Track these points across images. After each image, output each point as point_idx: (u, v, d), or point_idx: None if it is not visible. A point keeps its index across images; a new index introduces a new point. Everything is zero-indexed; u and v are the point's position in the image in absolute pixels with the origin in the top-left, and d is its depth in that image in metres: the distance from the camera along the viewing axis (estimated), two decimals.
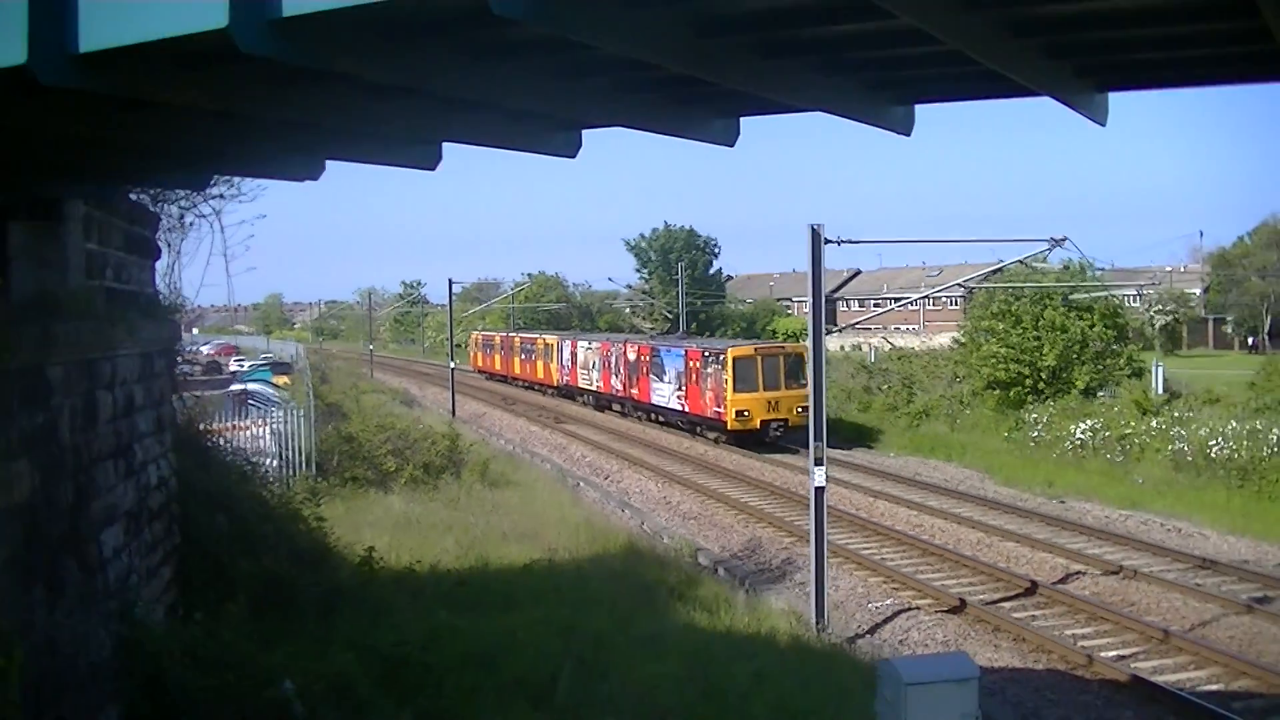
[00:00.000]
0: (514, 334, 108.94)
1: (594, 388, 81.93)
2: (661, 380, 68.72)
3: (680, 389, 65.98)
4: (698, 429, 64.92)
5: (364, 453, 42.92)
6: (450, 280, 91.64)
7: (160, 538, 16.14)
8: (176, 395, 22.22)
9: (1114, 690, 24.12)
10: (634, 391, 73.83)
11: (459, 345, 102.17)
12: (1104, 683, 24.60)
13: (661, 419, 70.66)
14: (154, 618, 14.60)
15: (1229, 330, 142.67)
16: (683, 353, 65.92)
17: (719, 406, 60.63)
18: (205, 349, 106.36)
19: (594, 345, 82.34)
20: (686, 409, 65.34)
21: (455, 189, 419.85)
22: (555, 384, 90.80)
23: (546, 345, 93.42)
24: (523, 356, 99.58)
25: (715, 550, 37.19)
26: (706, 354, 63.03)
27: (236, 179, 24.31)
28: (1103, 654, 26.10)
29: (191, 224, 25.82)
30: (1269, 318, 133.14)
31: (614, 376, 77.17)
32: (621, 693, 17.58)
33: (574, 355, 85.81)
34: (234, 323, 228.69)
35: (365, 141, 15.72)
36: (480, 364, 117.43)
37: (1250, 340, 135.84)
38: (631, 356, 73.61)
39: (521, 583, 25.97)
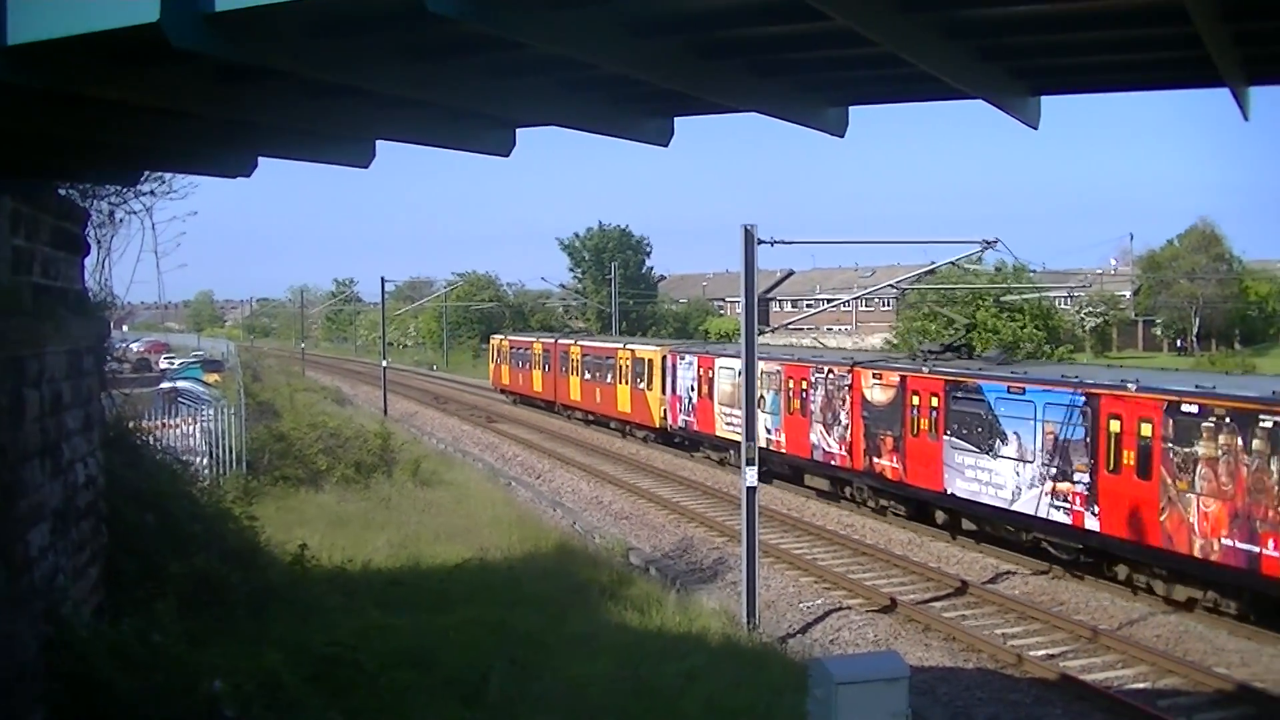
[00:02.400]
0: (570, 340, 77.34)
1: (769, 441, 47.28)
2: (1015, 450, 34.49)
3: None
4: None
5: (296, 451, 42.71)
6: (383, 279, 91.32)
7: (88, 537, 15.98)
8: (105, 393, 22.01)
9: (1043, 688, 24.33)
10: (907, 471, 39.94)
11: (479, 354, 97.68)
12: (1033, 681, 24.80)
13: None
14: (82, 618, 14.45)
15: (1159, 332, 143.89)
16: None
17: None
18: (135, 346, 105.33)
19: (763, 365, 45.04)
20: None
21: (388, 187, 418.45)
22: (657, 424, 61.11)
23: (639, 362, 63.62)
24: (587, 376, 70.95)
25: (647, 550, 37.24)
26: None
27: (168, 175, 24.11)
28: (1032, 653, 26.31)
29: (122, 220, 25.55)
30: (1198, 320, 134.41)
31: (828, 429, 44.53)
32: (553, 691, 17.54)
33: (704, 382, 54.42)
34: (164, 320, 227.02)
35: (298, 139, 15.65)
36: (507, 382, 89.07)
37: (1179, 342, 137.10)
38: (882, 395, 41.28)
39: (454, 581, 25.86)
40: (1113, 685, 24.38)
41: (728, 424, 51.44)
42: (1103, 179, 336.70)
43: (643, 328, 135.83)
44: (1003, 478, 34.50)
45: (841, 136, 14.67)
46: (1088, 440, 31.58)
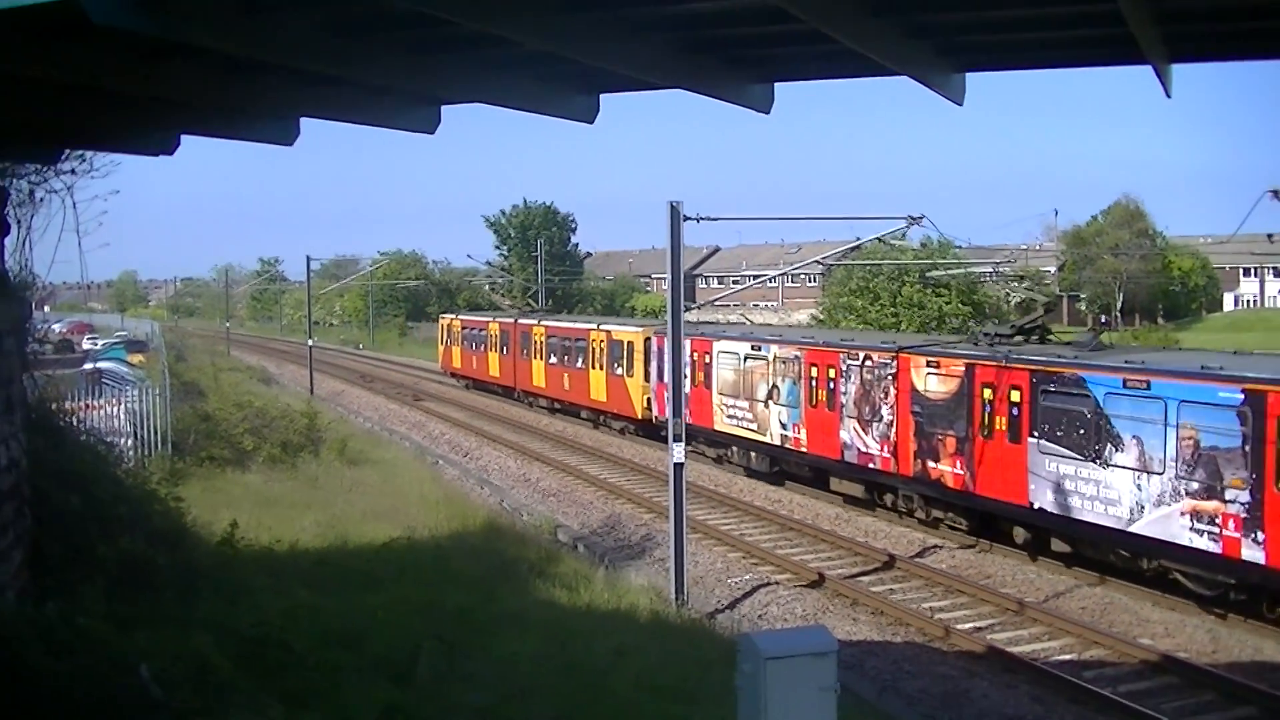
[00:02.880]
0: (533, 320, 70.35)
1: (799, 444, 41.82)
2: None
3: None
4: None
5: (221, 431, 42.46)
6: (308, 257, 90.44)
7: (11, 520, 15.83)
8: (27, 374, 21.76)
9: (971, 661, 24.51)
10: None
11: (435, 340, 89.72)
12: (961, 654, 25.00)
13: None
14: (5, 602, 14.34)
15: (1083, 307, 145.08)
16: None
17: None
18: (57, 327, 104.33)
19: (777, 349, 43.43)
20: None
21: (313, 164, 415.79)
22: (639, 415, 55.28)
23: (616, 344, 57.91)
24: (553, 360, 65.23)
25: (575, 527, 37.27)
26: None
27: (89, 153, 23.88)
28: (960, 626, 26.51)
29: (43, 199, 25.22)
30: (1121, 295, 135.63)
31: (864, 426, 38.04)
32: (482, 670, 17.53)
33: (699, 368, 47.78)
34: (87, 300, 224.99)
35: (221, 116, 15.56)
36: (459, 365, 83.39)
37: (1103, 318, 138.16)
38: (941, 387, 35.01)
39: (382, 561, 25.79)
40: (1039, 657, 24.60)
41: (729, 417, 45.60)
42: (1028, 155, 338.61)
43: (569, 305, 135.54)
44: (1116, 492, 28.55)
45: (767, 113, 14.71)
46: (1248, 449, 25.50)
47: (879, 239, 52.50)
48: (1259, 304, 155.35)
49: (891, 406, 36.40)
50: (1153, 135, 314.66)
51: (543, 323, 68.46)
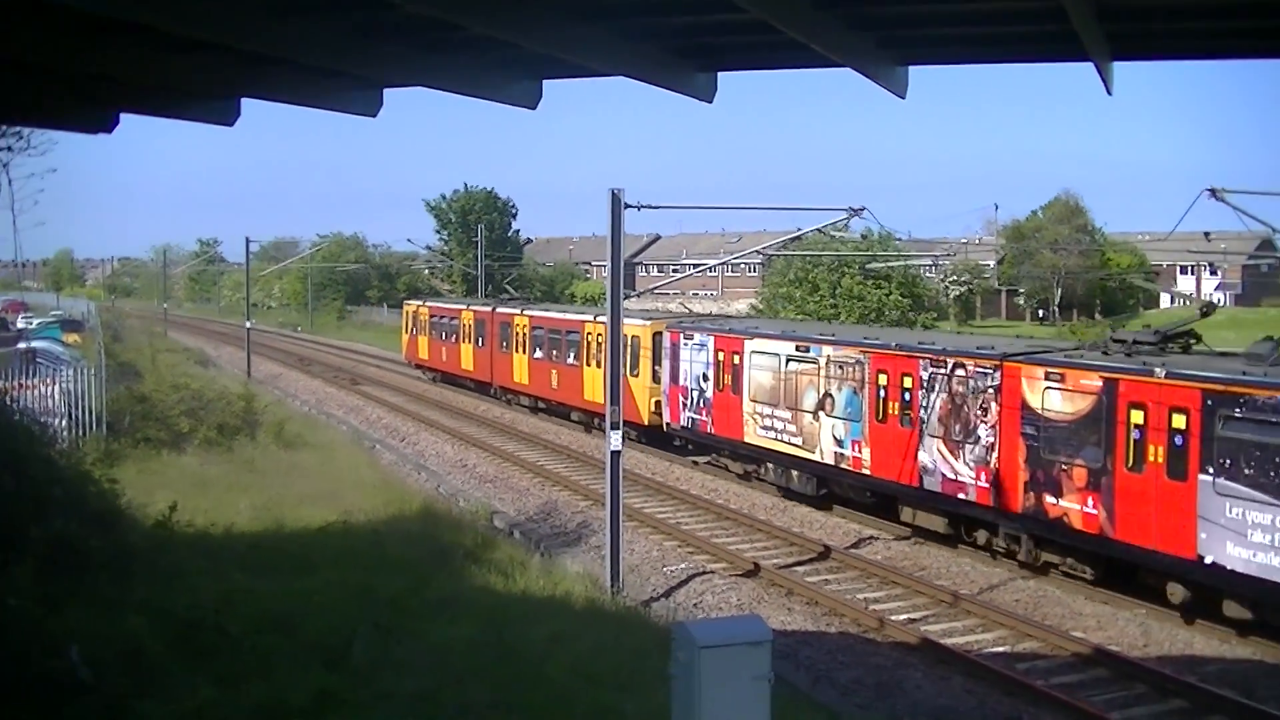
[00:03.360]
0: (514, 309, 63.83)
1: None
2: None
3: None
4: None
5: (157, 413, 42.20)
6: (247, 239, 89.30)
7: None
8: None
9: (905, 652, 24.59)
10: None
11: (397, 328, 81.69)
12: (895, 645, 25.07)
13: None
14: None
15: (1021, 302, 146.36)
16: None
17: None
18: None
19: (831, 351, 36.76)
20: None
21: (254, 145, 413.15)
22: (645, 420, 47.86)
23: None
24: (539, 354, 58.88)
25: (511, 513, 37.19)
26: None
27: (26, 130, 23.69)
28: (894, 617, 26.59)
29: None
30: (1059, 290, 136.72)
31: (952, 447, 31.98)
32: (417, 655, 17.50)
33: (726, 370, 41.89)
34: (22, 279, 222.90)
35: (161, 95, 15.46)
36: (426, 356, 76.33)
37: (1041, 312, 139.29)
38: (1066, 405, 28.78)
39: (318, 545, 25.72)
40: (973, 649, 24.72)
41: (765, 428, 39.09)
42: (969, 150, 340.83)
43: (508, 290, 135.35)
44: None
45: (710, 102, 14.73)
46: None
47: (819, 230, 52.44)
48: (1195, 301, 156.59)
49: (993, 426, 30.35)
50: (1093, 132, 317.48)
51: (526, 312, 61.62)
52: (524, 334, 60.27)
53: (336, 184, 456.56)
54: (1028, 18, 12.17)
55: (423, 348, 76.00)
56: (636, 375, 47.69)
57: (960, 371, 31.34)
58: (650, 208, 29.02)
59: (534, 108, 15.65)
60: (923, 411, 32.52)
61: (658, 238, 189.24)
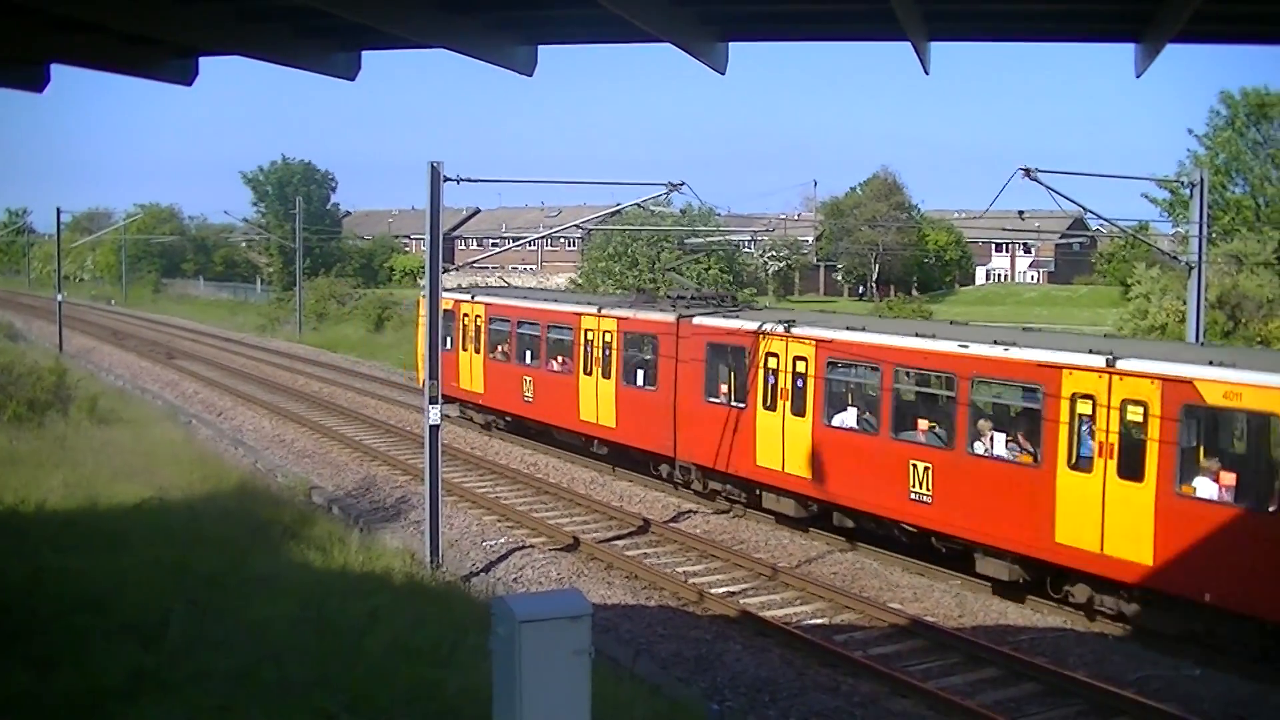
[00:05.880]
0: (754, 323, 32.94)
1: None
2: None
3: None
4: None
5: None
6: (59, 209, 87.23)
7: None
8: None
9: (724, 625, 24.79)
10: None
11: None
12: (715, 618, 25.26)
13: None
14: None
15: (839, 277, 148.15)
16: None
17: None
18: None
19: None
20: None
21: (65, 112, 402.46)
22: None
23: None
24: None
25: (330, 488, 36.91)
26: None
27: None
28: (714, 590, 26.80)
29: None
30: (877, 266, 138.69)
31: None
32: (235, 633, 17.36)
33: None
34: None
35: None
36: (482, 388, 46.24)
37: (860, 288, 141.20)
38: None
39: (132, 522, 25.37)
40: (792, 621, 24.97)
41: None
42: (789, 126, 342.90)
43: (327, 264, 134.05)
44: None
45: (530, 75, 14.74)
46: None
47: (639, 205, 52.65)
48: (1009, 278, 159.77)
49: None
50: (911, 111, 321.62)
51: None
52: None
53: (152, 154, 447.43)
54: None
55: (472, 372, 46.66)
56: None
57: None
58: (470, 181, 28.89)
59: (353, 79, 15.55)
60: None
61: (478, 211, 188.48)
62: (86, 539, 23.22)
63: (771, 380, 31.30)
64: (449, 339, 45.20)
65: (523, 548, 30.22)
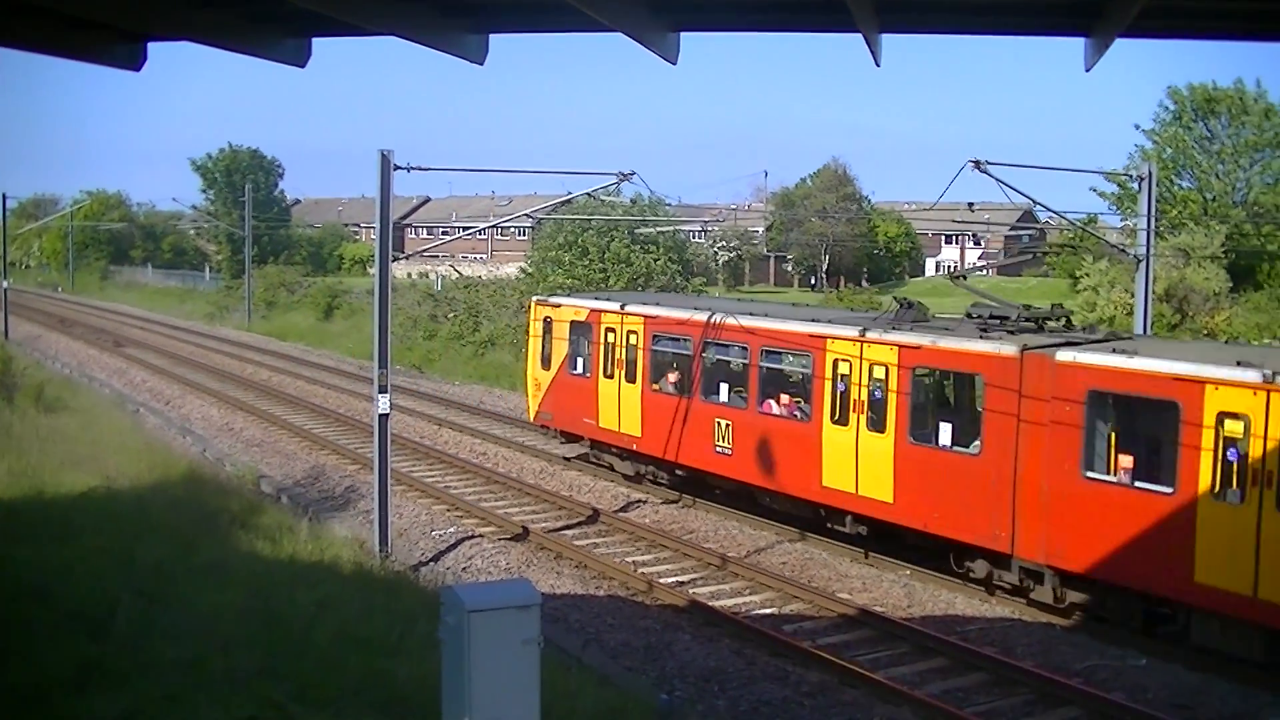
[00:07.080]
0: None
1: None
2: None
3: None
4: None
5: None
6: (3, 195, 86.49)
7: None
8: None
9: (673, 614, 24.84)
10: None
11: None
12: (664, 608, 25.31)
13: None
14: None
15: (790, 268, 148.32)
16: None
17: None
18: None
19: None
20: None
21: (9, 97, 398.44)
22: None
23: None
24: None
25: (279, 477, 36.81)
26: None
27: None
28: (663, 580, 26.86)
29: None
30: (827, 257, 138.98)
31: None
32: (183, 623, 17.28)
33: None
34: None
35: None
36: (639, 426, 34.76)
37: (811, 279, 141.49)
38: None
39: (79, 511, 25.21)
40: (741, 611, 25.05)
41: None
42: (740, 117, 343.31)
43: (275, 252, 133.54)
44: None
45: (481, 64, 14.70)
46: None
47: (589, 194, 52.68)
48: (960, 269, 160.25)
49: None
50: (862, 103, 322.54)
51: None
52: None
53: (100, 139, 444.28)
54: None
55: (620, 407, 35.93)
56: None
57: None
58: (420, 169, 28.84)
59: (303, 66, 15.47)
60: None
61: (428, 199, 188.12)
62: (32, 528, 23.06)
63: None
64: (578, 359, 37.64)
65: (472, 537, 30.21)
